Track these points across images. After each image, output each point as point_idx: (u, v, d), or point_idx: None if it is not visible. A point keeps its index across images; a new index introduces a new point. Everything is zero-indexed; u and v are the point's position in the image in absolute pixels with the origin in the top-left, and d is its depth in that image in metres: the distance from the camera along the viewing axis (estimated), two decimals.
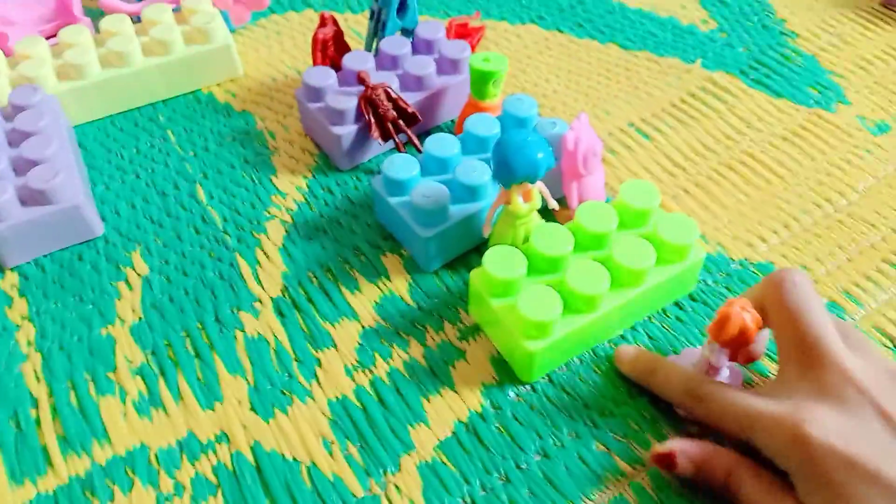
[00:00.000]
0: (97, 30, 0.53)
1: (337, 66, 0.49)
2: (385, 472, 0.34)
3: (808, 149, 0.47)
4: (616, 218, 0.37)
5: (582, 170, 0.39)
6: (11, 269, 0.43)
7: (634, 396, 0.36)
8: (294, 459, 0.34)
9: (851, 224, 0.43)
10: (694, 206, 0.44)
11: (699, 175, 0.46)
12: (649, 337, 0.38)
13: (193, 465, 0.35)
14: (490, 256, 0.36)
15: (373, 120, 0.45)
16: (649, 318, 0.39)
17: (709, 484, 0.31)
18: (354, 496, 0.33)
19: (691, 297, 0.40)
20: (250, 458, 0.35)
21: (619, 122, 0.50)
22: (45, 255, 0.44)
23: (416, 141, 0.46)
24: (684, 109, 0.50)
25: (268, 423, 0.36)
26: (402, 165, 0.41)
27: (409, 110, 0.45)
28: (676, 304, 0.39)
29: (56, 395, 0.37)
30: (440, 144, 0.42)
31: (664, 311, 0.39)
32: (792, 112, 0.50)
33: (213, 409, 0.36)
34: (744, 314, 0.31)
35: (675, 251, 0.37)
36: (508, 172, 0.36)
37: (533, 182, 0.36)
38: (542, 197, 0.38)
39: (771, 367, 0.37)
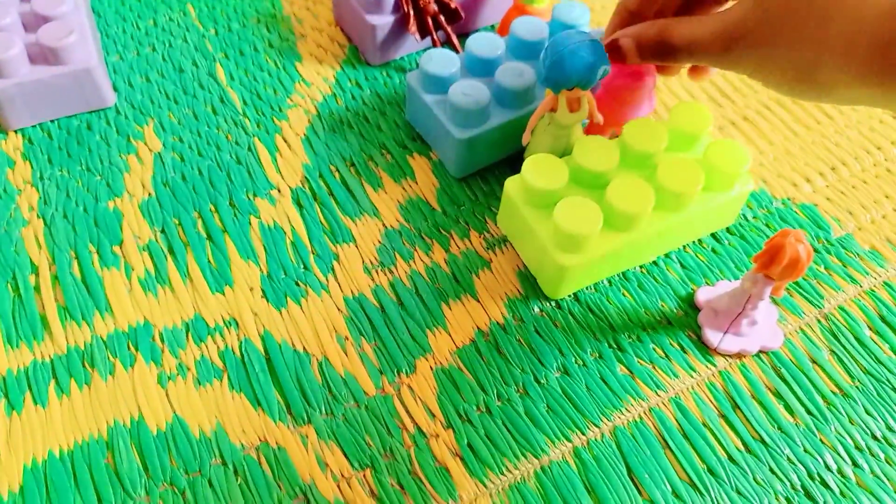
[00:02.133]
0: None
1: None
2: (399, 373, 0.32)
3: None
4: (665, 138, 0.35)
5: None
6: (16, 132, 0.41)
7: (662, 323, 0.34)
8: (305, 352, 0.33)
9: None
10: (740, 140, 0.42)
11: (748, 108, 0.44)
12: (682, 266, 0.37)
13: (199, 346, 0.33)
14: (530, 164, 0.34)
15: (411, 12, 0.42)
16: (684, 247, 0.37)
17: (651, 53, 0.30)
18: (366, 394, 0.32)
19: (729, 231, 0.38)
20: (259, 346, 0.33)
21: None
22: (51, 121, 0.41)
23: (456, 41, 0.43)
24: None
25: (280, 312, 0.34)
26: (441, 61, 0.38)
27: (452, 5, 0.42)
28: (713, 235, 0.38)
29: (58, 263, 0.35)
30: (484, 44, 0.39)
31: (700, 241, 0.37)
32: None
33: (222, 294, 0.35)
34: (798, 246, 0.29)
35: (724, 179, 0.35)
36: (561, 75, 0.33)
37: (585, 88, 0.34)
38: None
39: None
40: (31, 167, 0.39)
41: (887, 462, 0.31)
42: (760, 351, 0.34)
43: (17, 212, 0.37)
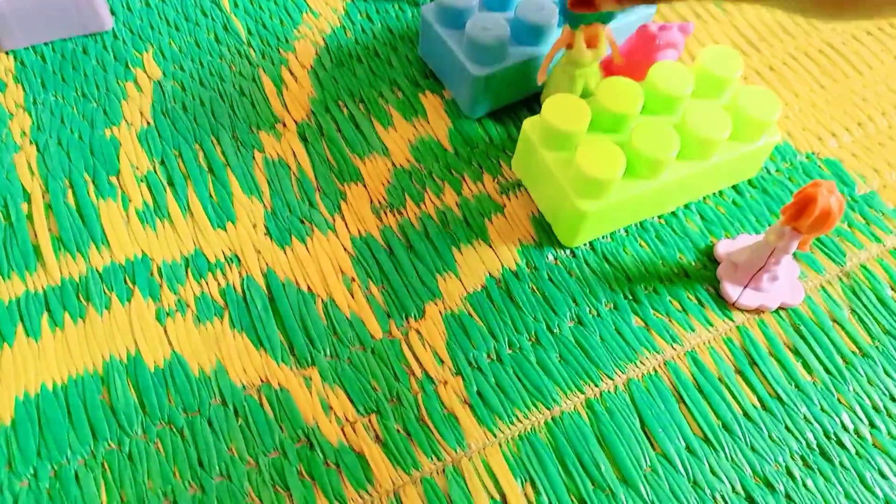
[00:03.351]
0: None
1: None
2: (407, 318, 0.31)
3: (893, 47, 0.43)
4: (692, 82, 0.34)
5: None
6: (8, 53, 0.38)
7: (680, 276, 0.33)
8: (310, 292, 0.32)
9: None
10: None
11: (774, 58, 0.42)
12: (702, 218, 0.35)
13: (199, 283, 0.32)
14: (550, 104, 0.32)
15: None
16: (704, 198, 0.36)
17: None
18: (373, 337, 0.31)
19: (751, 183, 0.37)
20: (262, 283, 0.32)
21: None
22: (45, 43, 0.39)
23: None
24: None
25: (283, 250, 0.33)
26: None
27: None
28: (735, 187, 0.36)
29: (52, 191, 0.34)
30: None
31: (721, 193, 0.36)
32: None
33: (224, 229, 0.33)
34: (830, 198, 0.28)
35: (752, 127, 0.33)
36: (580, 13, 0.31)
37: (606, 23, 0.32)
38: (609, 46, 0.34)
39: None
40: (24, 91, 0.37)
41: None
42: (780, 308, 0.33)
43: (8, 136, 0.35)
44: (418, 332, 0.31)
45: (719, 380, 0.31)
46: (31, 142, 0.35)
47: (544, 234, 0.34)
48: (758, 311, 0.32)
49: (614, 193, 0.32)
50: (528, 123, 0.33)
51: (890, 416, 0.30)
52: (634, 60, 0.35)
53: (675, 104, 0.34)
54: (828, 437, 0.30)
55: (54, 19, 0.38)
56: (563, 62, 0.34)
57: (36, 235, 0.32)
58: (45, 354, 0.29)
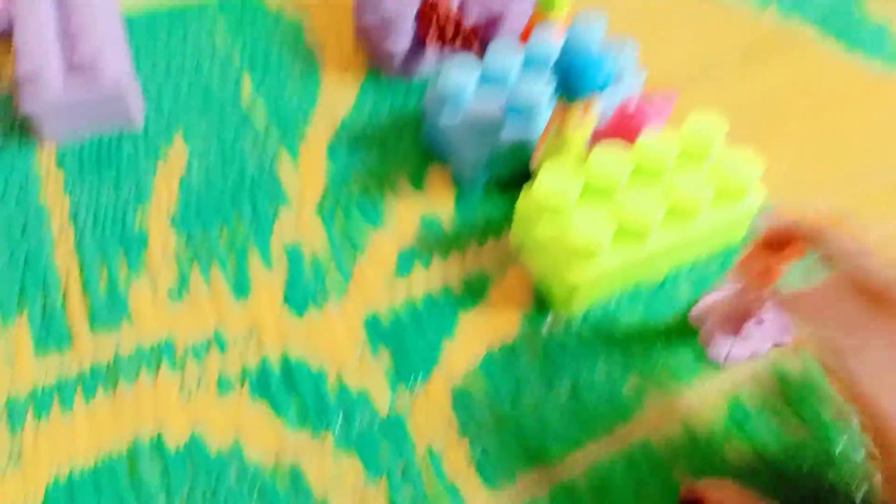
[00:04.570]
0: None
1: None
2: (415, 383, 0.33)
3: (876, 113, 0.45)
4: (677, 149, 0.36)
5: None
6: (49, 146, 0.42)
7: (673, 337, 0.35)
8: (324, 361, 0.34)
9: None
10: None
11: (760, 124, 0.44)
12: (693, 281, 0.37)
13: (221, 357, 0.34)
14: (543, 178, 0.35)
15: (432, 30, 0.43)
16: (694, 262, 0.38)
17: None
18: (383, 403, 0.33)
19: (738, 246, 0.38)
20: (279, 355, 0.34)
21: (682, 62, 0.48)
22: (84, 133, 0.43)
23: (476, 48, 0.44)
24: (752, 55, 0.48)
25: (300, 321, 0.35)
26: (459, 77, 0.39)
27: (471, 22, 0.43)
28: (723, 250, 0.38)
29: (86, 274, 0.37)
30: (501, 57, 0.40)
31: (709, 257, 0.38)
32: (863, 74, 0.47)
33: (244, 303, 0.36)
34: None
35: (735, 189, 0.35)
36: (574, 86, 0.34)
37: (596, 100, 0.35)
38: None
39: None
40: (64, 180, 0.41)
41: None
42: (773, 345, 0.34)
43: (47, 224, 0.39)
44: (426, 396, 0.33)
45: (714, 438, 0.32)
46: (68, 226, 0.39)
47: (543, 301, 0.36)
48: (752, 358, 0.34)
49: (605, 260, 0.34)
50: (523, 196, 0.36)
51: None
52: (622, 128, 0.38)
53: (660, 170, 0.36)
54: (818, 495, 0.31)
55: (92, 113, 0.42)
56: (555, 136, 0.37)
57: (72, 315, 0.35)
58: (77, 430, 0.32)
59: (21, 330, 0.35)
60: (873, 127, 0.44)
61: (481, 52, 0.44)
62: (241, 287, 0.36)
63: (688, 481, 0.30)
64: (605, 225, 0.33)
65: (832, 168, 0.42)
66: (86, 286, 0.36)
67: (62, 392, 0.33)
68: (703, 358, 0.34)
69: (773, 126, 0.44)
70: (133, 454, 0.31)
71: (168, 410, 0.32)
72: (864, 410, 0.26)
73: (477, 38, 0.44)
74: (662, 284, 0.37)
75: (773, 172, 0.42)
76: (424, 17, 0.43)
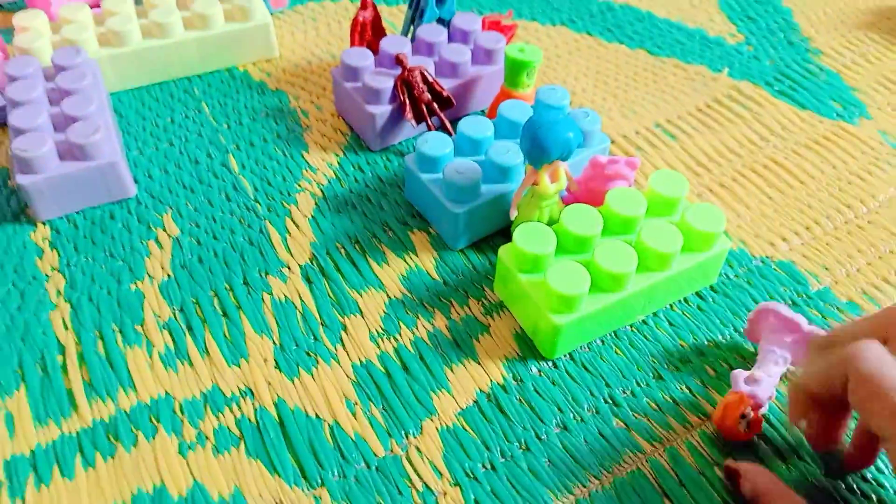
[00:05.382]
0: (139, 1, 0.54)
1: (373, 50, 0.50)
2: (406, 435, 0.34)
3: (830, 158, 0.48)
4: (645, 203, 0.38)
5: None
6: (44, 223, 0.44)
7: (655, 378, 0.36)
8: (317, 417, 0.35)
9: (871, 230, 0.44)
10: (718, 205, 0.45)
11: (723, 176, 0.47)
12: (670, 324, 0.39)
13: (217, 416, 0.35)
14: (520, 232, 0.37)
15: (408, 101, 0.46)
16: (671, 305, 0.40)
17: None
18: (376, 455, 0.34)
19: (712, 289, 0.40)
20: (274, 413, 0.35)
21: (646, 122, 0.51)
22: (77, 212, 0.44)
23: (449, 125, 0.47)
24: (710, 114, 0.51)
25: (292, 381, 0.36)
26: (436, 143, 0.42)
27: (444, 94, 0.46)
28: (698, 293, 0.40)
29: (83, 343, 0.38)
30: (474, 126, 0.43)
31: (686, 299, 0.40)
32: (815, 123, 0.51)
33: (238, 366, 0.37)
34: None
35: (702, 239, 0.37)
36: (541, 151, 0.36)
37: (565, 160, 0.37)
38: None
39: None
40: (59, 255, 0.42)
41: None
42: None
43: (45, 296, 0.40)
44: (417, 447, 0.34)
45: (699, 473, 0.33)
46: (65, 300, 0.40)
47: (527, 348, 0.38)
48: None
49: (584, 307, 0.35)
50: (503, 250, 0.38)
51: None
52: (590, 189, 0.40)
53: (631, 224, 0.38)
54: None
55: (86, 191, 0.44)
56: (529, 196, 0.39)
57: (70, 383, 0.36)
58: (79, 494, 0.32)
59: (21, 402, 0.35)
60: (829, 172, 0.47)
61: (451, 130, 0.47)
62: (234, 353, 0.37)
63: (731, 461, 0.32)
64: (583, 274, 0.35)
65: (792, 213, 0.44)
66: (83, 355, 0.37)
67: (63, 456, 0.33)
68: (685, 395, 0.36)
69: (734, 177, 0.47)
70: None
71: (168, 467, 0.33)
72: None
73: (453, 105, 0.47)
74: (642, 326, 0.38)
75: (737, 220, 0.44)
76: (400, 91, 0.46)
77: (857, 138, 0.50)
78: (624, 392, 0.36)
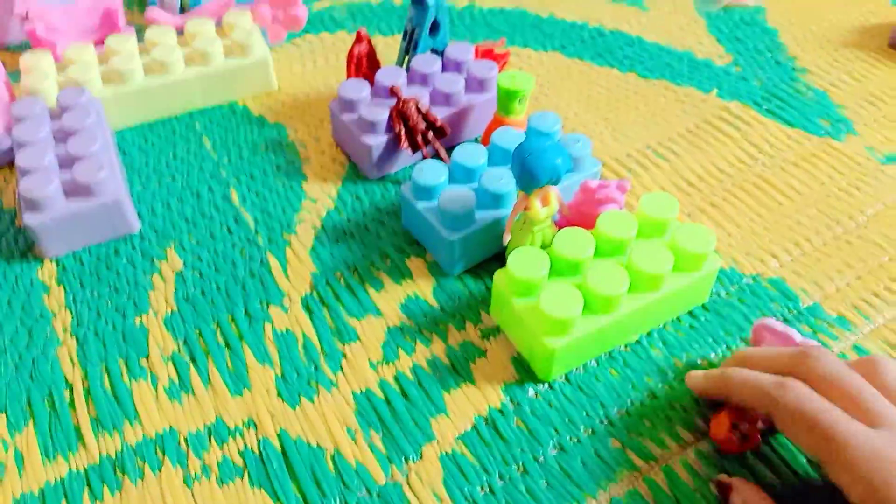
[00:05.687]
0: (141, 40, 0.56)
1: (369, 82, 0.51)
2: (407, 461, 0.35)
3: (818, 175, 0.49)
4: (636, 225, 0.39)
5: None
6: (51, 260, 0.45)
7: (651, 398, 0.37)
8: (319, 446, 0.36)
9: (860, 245, 0.44)
10: (708, 224, 0.46)
11: (713, 195, 0.48)
12: (663, 343, 0.39)
13: (221, 448, 0.36)
14: (514, 257, 0.38)
15: (403, 131, 0.47)
16: (664, 325, 0.40)
17: None
18: (377, 482, 0.34)
19: (704, 308, 0.41)
20: (276, 443, 0.36)
21: (637, 145, 0.52)
22: (83, 249, 0.45)
23: (444, 153, 0.48)
24: (700, 135, 0.52)
25: (294, 410, 0.37)
26: (431, 172, 0.43)
27: (438, 123, 0.47)
28: (690, 313, 0.41)
29: (90, 378, 0.39)
30: (468, 154, 0.44)
31: (678, 318, 0.41)
32: (803, 141, 0.52)
33: (241, 396, 0.38)
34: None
35: (693, 259, 0.38)
36: (531, 177, 0.37)
37: (555, 185, 0.38)
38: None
39: None
40: (65, 291, 0.43)
41: None
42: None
43: (52, 333, 0.41)
44: (417, 473, 0.34)
45: (695, 491, 0.34)
46: (71, 336, 0.41)
47: (524, 371, 0.38)
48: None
49: (578, 329, 0.36)
50: (498, 275, 0.39)
51: None
52: (581, 213, 0.41)
53: (622, 246, 0.39)
54: None
55: (91, 227, 0.45)
56: (521, 221, 0.40)
57: (77, 419, 0.37)
58: None
59: (30, 438, 0.36)
60: (818, 188, 0.48)
61: (446, 158, 0.48)
62: (237, 383, 0.38)
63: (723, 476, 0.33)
64: (576, 297, 0.36)
65: (782, 230, 0.45)
66: (89, 390, 0.38)
67: (71, 492, 0.34)
68: (678, 413, 0.36)
69: (724, 196, 0.47)
70: None
71: (174, 499, 0.34)
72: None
73: (447, 134, 0.48)
74: (636, 346, 0.39)
75: (728, 239, 0.45)
76: (396, 122, 0.47)
77: (845, 155, 0.50)
78: (619, 412, 0.37)
